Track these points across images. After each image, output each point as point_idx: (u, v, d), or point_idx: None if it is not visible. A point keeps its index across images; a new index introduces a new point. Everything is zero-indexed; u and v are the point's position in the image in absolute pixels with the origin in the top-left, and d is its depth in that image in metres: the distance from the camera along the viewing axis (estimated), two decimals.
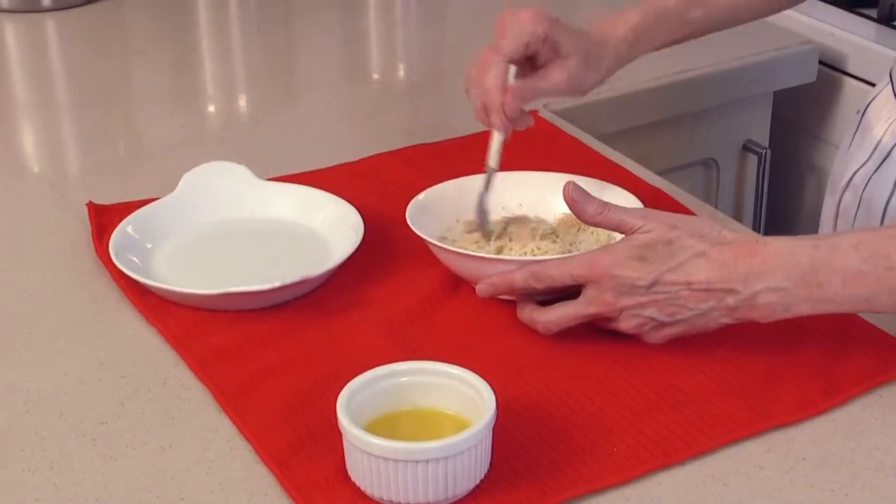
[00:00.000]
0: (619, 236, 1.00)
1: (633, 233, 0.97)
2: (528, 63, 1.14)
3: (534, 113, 1.22)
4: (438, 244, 1.05)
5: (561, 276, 0.97)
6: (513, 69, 1.12)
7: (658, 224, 0.96)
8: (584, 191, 1.01)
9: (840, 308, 0.93)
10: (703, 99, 1.59)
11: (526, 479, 0.86)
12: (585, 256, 0.97)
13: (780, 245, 0.93)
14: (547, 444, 0.89)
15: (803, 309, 0.93)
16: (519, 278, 0.99)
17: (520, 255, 1.06)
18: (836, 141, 1.54)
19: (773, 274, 0.92)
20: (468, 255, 1.04)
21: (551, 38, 1.12)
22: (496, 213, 1.13)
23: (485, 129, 1.39)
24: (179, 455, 0.90)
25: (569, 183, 1.01)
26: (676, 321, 0.96)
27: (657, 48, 1.22)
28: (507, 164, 1.18)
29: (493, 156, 1.13)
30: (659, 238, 0.95)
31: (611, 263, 0.95)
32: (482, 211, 1.11)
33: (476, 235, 1.11)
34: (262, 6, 1.84)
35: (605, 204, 1.00)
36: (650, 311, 0.95)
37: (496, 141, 1.13)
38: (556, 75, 1.13)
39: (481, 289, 1.02)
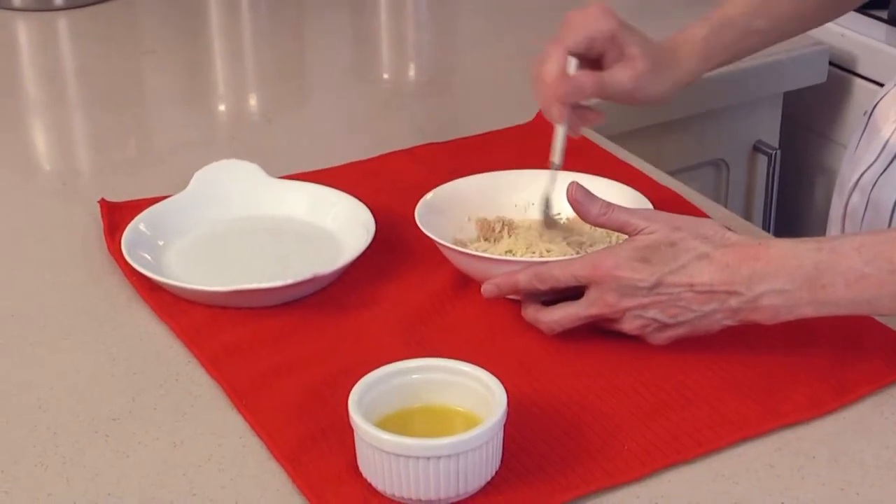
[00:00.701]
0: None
1: (636, 234, 0.97)
2: (595, 64, 1.14)
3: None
4: (446, 244, 1.05)
5: (564, 276, 0.98)
6: (573, 61, 1.11)
7: (662, 225, 0.96)
8: (587, 191, 1.01)
9: (843, 310, 0.93)
10: (713, 99, 1.59)
11: (536, 476, 0.86)
12: (588, 257, 0.97)
13: (783, 247, 0.93)
14: (557, 441, 0.90)
15: (806, 311, 0.93)
16: (523, 279, 0.99)
17: (526, 257, 1.06)
18: (845, 142, 1.54)
19: (775, 276, 0.92)
20: (475, 256, 1.04)
21: (618, 37, 1.12)
22: (508, 213, 1.14)
23: (495, 127, 1.40)
24: (191, 451, 0.90)
25: (572, 183, 1.01)
26: (679, 323, 0.96)
27: (726, 62, 1.22)
28: (518, 162, 1.19)
29: (557, 151, 1.12)
30: (662, 239, 0.95)
31: (613, 265, 0.95)
32: (547, 207, 1.11)
33: (485, 233, 1.11)
34: (274, 6, 1.84)
35: (609, 205, 1.00)
36: (653, 313, 0.96)
37: (559, 135, 1.12)
38: (621, 74, 1.13)
39: (486, 289, 1.02)
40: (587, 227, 1.10)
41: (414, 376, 0.89)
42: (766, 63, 1.60)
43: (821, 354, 0.99)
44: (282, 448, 0.89)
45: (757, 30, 1.21)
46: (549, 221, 1.11)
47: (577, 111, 1.14)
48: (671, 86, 1.18)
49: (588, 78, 1.12)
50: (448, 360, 0.90)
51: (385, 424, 0.84)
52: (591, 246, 1.08)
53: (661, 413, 0.93)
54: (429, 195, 1.13)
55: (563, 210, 1.10)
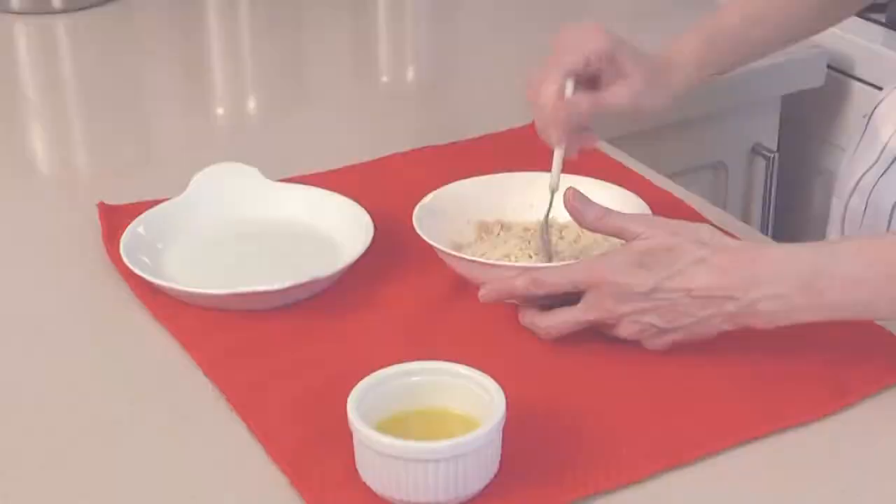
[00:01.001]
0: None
1: (633, 239, 0.97)
2: (590, 83, 1.13)
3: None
4: (443, 249, 1.05)
5: (561, 282, 0.98)
6: (570, 83, 1.10)
7: (659, 230, 0.96)
8: (584, 197, 1.01)
9: (841, 315, 0.93)
10: (712, 102, 1.59)
11: (535, 479, 0.86)
12: (585, 263, 0.97)
13: (780, 252, 0.93)
14: (556, 444, 0.89)
15: (804, 316, 0.93)
16: (520, 284, 0.99)
17: (523, 261, 1.05)
18: (844, 144, 1.54)
19: (773, 281, 0.92)
20: (472, 261, 1.04)
21: (614, 56, 1.12)
22: (507, 216, 1.14)
23: (494, 130, 1.40)
24: (190, 454, 0.90)
25: (569, 189, 1.01)
26: (676, 328, 0.96)
27: (722, 71, 1.23)
28: (517, 165, 1.19)
29: (554, 175, 1.10)
30: (659, 244, 0.95)
31: (610, 270, 0.95)
32: (544, 234, 1.09)
33: (486, 236, 1.11)
34: (273, 8, 1.84)
35: (606, 210, 1.00)
36: (650, 318, 0.95)
37: (557, 160, 1.11)
38: (618, 92, 1.13)
39: (484, 294, 1.02)
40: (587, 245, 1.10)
41: (413, 379, 0.89)
42: (765, 66, 1.60)
43: (820, 357, 0.99)
44: (281, 451, 0.89)
45: (752, 40, 1.22)
46: (546, 253, 1.09)
47: (575, 134, 1.14)
48: (667, 97, 1.19)
49: (586, 100, 1.11)
50: (447, 363, 0.89)
51: (384, 427, 0.84)
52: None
53: (660, 415, 0.93)
54: (427, 198, 1.13)
55: (565, 233, 1.10)
